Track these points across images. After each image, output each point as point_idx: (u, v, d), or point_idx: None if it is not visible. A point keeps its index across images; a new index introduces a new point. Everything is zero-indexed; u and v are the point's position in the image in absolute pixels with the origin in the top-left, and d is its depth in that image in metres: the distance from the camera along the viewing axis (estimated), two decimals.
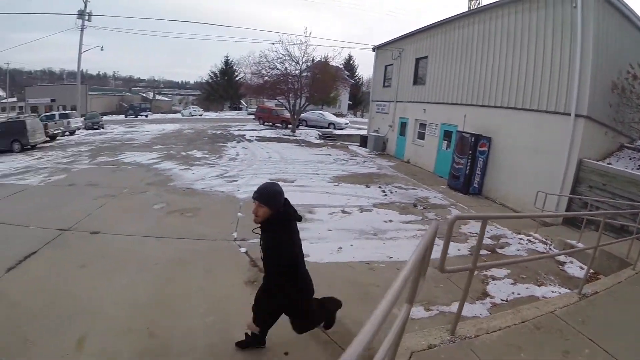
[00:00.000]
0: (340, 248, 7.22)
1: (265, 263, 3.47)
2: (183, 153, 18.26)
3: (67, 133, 28.79)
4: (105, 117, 41.25)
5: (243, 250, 6.99)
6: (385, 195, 11.43)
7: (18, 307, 5.05)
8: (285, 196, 3.53)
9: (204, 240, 7.41)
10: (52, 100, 59.31)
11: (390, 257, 6.83)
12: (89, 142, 24.02)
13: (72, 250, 6.87)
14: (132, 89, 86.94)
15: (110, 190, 10.89)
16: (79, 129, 31.07)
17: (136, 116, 53.39)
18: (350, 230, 8.27)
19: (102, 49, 42.65)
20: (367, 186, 12.38)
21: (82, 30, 39.01)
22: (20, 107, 73.02)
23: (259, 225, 3.50)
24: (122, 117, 53.84)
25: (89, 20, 38.48)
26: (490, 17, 13.32)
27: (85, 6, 38.44)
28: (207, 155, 17.74)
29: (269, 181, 3.61)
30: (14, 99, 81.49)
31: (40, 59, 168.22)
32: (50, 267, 6.23)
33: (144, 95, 77.55)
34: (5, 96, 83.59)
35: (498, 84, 12.61)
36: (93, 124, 34.15)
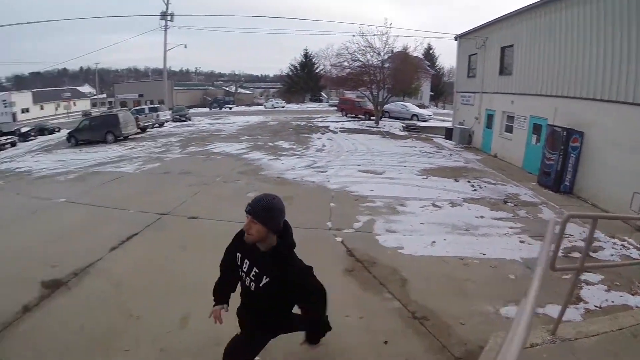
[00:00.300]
0: (434, 242, 6.94)
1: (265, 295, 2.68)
2: (270, 144, 18.61)
3: (156, 125, 30.71)
4: (191, 110, 43.12)
5: (339, 239, 6.92)
6: (475, 190, 10.88)
7: (122, 284, 5.30)
8: (285, 219, 2.76)
9: (300, 229, 7.36)
10: (140, 96, 63.79)
11: (484, 254, 6.50)
12: (178, 133, 25.40)
13: (172, 233, 7.21)
14: (215, 83, 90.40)
15: (203, 178, 11.32)
16: (167, 121, 33.08)
17: (220, 109, 55.80)
18: (442, 224, 7.94)
19: (185, 47, 45.21)
20: (455, 180, 11.86)
21: (165, 30, 41.49)
22: (110, 103, 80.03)
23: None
24: (206, 109, 56.62)
25: (171, 20, 40.81)
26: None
27: (167, 8, 40.72)
28: (294, 146, 17.93)
29: (267, 193, 2.78)
30: (104, 95, 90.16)
31: (125, 59, 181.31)
32: (152, 247, 6.56)
33: (226, 89, 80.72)
34: (95, 93, 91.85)
35: (591, 74, 11.42)
36: (180, 117, 36.10)
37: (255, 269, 2.70)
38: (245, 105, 61.94)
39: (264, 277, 2.65)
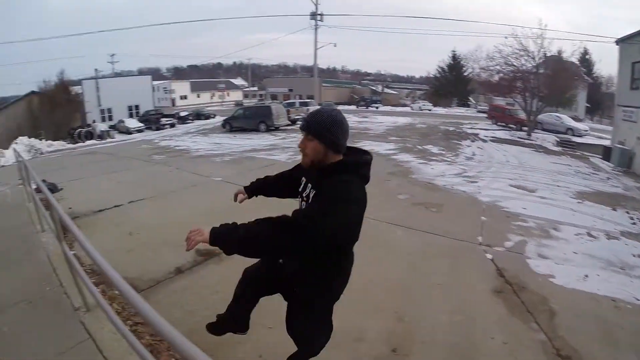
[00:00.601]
0: (587, 276, 6.11)
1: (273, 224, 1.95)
2: (419, 147, 18.27)
3: None
4: (339, 107, 44.32)
5: (489, 256, 6.45)
6: (634, 223, 9.37)
7: None
8: (357, 145, 2.39)
9: (448, 238, 7.10)
10: (290, 90, 67.68)
11: (638, 300, 5.55)
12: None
13: None
14: (362, 81, 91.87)
15: None
16: None
17: (367, 107, 56.87)
18: (596, 257, 6.98)
19: (335, 46, 46.76)
20: (613, 209, 10.37)
21: (315, 29, 43.46)
22: (261, 95, 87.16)
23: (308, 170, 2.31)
24: (353, 107, 57.63)
25: (321, 20, 42.45)
26: None
27: (316, 8, 42.49)
28: (443, 152, 17.37)
29: (325, 106, 2.15)
30: (255, 88, 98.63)
31: (276, 55, 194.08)
32: None
33: (373, 88, 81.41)
34: (247, 85, 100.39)
35: None
36: None
37: (312, 191, 2.21)
38: (392, 106, 61.86)
39: (303, 199, 2.30)
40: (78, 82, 42.81)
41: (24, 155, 10.21)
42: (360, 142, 18.76)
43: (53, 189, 9.36)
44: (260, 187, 2.86)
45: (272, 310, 3.03)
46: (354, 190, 2.07)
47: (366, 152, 2.35)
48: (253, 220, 1.97)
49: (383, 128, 26.68)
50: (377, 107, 56.52)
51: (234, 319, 2.88)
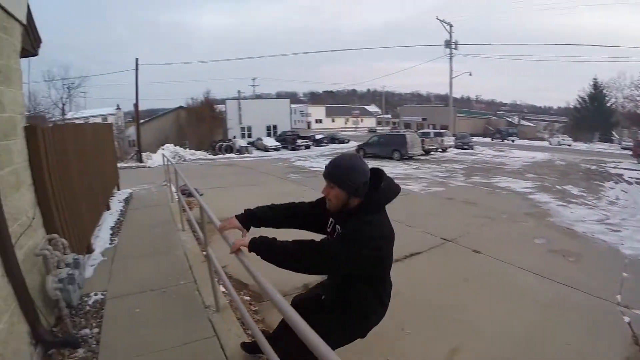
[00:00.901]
0: None
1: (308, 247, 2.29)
2: (558, 187, 17.12)
3: (439, 150, 31.87)
4: (473, 139, 43.14)
5: (626, 319, 5.92)
6: None
7: (399, 295, 5.67)
8: (379, 171, 2.52)
9: (583, 293, 6.60)
10: (424, 119, 66.93)
11: None
12: (461, 160, 25.78)
13: (454, 262, 7.21)
14: (497, 112, 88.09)
15: (487, 211, 11.12)
16: (450, 147, 33.89)
17: (502, 140, 54.02)
18: None
19: (470, 75, 45.72)
20: None
21: (450, 58, 43.00)
22: (394, 123, 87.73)
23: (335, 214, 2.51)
24: (488, 139, 55.46)
25: (455, 48, 41.76)
26: None
27: (450, 36, 41.96)
28: (584, 194, 16.08)
29: (344, 153, 2.53)
30: (388, 116, 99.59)
31: (409, 84, 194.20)
32: (434, 270, 6.71)
33: (509, 119, 77.34)
34: (380, 112, 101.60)
35: None
36: (463, 144, 36.69)
37: (338, 226, 2.47)
38: (528, 139, 57.91)
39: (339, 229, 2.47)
40: (221, 101, 48.32)
41: (168, 161, 11.79)
42: (496, 178, 18.04)
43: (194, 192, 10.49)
44: (266, 217, 2.81)
45: None
46: (375, 229, 2.32)
47: (394, 186, 2.58)
48: (290, 240, 2.33)
49: (519, 164, 25.27)
50: (512, 141, 53.18)
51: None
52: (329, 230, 2.58)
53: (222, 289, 4.73)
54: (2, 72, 3.42)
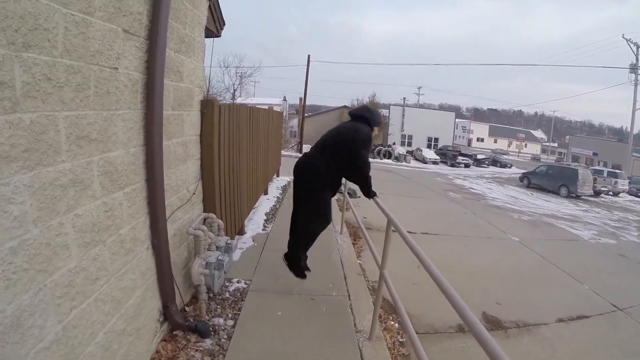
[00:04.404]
0: None
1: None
2: None
3: (610, 193, 27.04)
4: None
5: None
6: None
7: None
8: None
9: None
10: (594, 154, 56.93)
11: None
12: (636, 210, 21.28)
13: (625, 336, 5.78)
14: None
15: None
16: (623, 191, 28.46)
17: None
18: None
19: None
20: None
21: (635, 85, 35.71)
22: (560, 153, 77.15)
23: None
24: None
25: None
26: None
27: (637, 59, 34.87)
28: None
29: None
30: (555, 145, 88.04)
31: (579, 110, 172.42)
32: (600, 342, 5.38)
33: None
34: (546, 139, 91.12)
35: None
36: (638, 190, 30.32)
37: None
38: None
39: None
40: (386, 106, 47.04)
41: None
42: None
43: (352, 194, 9.97)
44: None
45: None
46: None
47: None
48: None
49: None
50: None
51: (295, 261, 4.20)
52: None
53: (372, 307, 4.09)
54: (185, 42, 3.22)
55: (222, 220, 3.97)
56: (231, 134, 4.61)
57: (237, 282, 4.26)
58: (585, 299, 6.76)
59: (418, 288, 5.59)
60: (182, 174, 3.28)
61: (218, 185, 4.06)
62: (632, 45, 36.70)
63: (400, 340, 4.14)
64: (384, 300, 4.51)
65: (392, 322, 4.39)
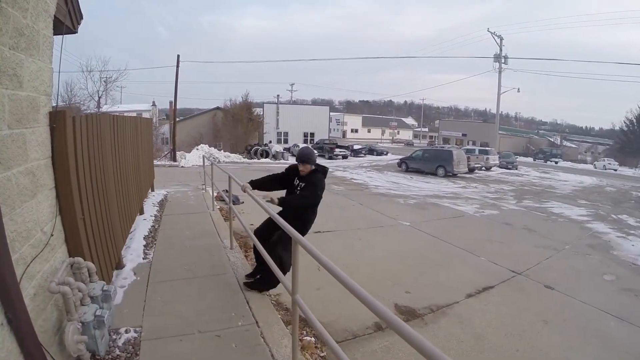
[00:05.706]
0: None
1: (301, 197, 4.48)
2: (613, 216, 15.51)
3: (483, 168, 30.22)
4: (517, 158, 41.15)
5: None
6: None
7: (483, 339, 4.69)
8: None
9: None
10: (464, 135, 64.17)
11: None
12: (508, 181, 24.31)
13: (530, 299, 6.21)
14: (539, 132, 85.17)
15: (549, 241, 9.94)
16: (494, 166, 32.18)
17: (545, 161, 51.38)
18: None
19: (518, 91, 43.77)
20: None
21: (499, 73, 41.04)
22: (431, 137, 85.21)
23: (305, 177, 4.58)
24: (529, 159, 52.92)
25: (505, 63, 40.28)
26: None
27: (500, 50, 40.38)
28: None
29: (304, 146, 5.42)
30: (426, 129, 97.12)
31: (447, 97, 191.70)
32: (510, 308, 5.78)
33: (550, 139, 74.27)
34: (417, 125, 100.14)
35: None
36: (507, 164, 34.89)
37: (301, 183, 4.57)
38: (571, 161, 54.95)
39: (302, 184, 4.55)
40: (259, 105, 47.17)
41: (206, 162, 11.18)
42: (549, 203, 16.53)
43: (235, 201, 9.62)
44: (261, 184, 4.85)
45: None
46: (322, 180, 4.51)
47: (323, 166, 4.72)
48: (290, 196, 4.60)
49: (569, 188, 23.46)
50: (556, 162, 50.48)
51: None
52: (295, 184, 4.62)
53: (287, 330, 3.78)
54: (25, 36, 2.47)
55: (94, 259, 3.31)
56: (93, 150, 3.85)
57: (126, 331, 3.53)
58: (486, 270, 7.29)
59: (323, 292, 5.49)
60: (33, 212, 2.55)
61: (82, 217, 3.33)
62: (496, 37, 42.47)
63: (321, 355, 3.91)
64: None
65: (308, 338, 4.12)
